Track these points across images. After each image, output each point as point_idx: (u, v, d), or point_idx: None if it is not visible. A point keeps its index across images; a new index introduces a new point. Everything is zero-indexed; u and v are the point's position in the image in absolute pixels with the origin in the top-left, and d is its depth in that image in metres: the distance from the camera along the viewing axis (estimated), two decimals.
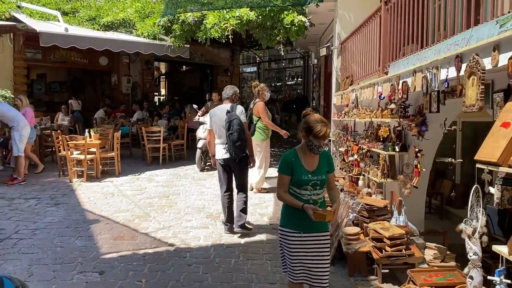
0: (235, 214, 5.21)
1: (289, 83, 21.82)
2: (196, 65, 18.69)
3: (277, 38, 9.03)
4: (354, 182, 6.36)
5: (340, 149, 7.18)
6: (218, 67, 18.26)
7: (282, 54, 13.66)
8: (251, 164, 5.35)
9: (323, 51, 8.42)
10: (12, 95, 11.75)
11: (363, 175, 5.79)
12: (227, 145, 5.06)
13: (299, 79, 21.23)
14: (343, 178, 7.10)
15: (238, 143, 4.95)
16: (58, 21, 10.02)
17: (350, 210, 4.52)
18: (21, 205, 6.46)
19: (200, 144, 9.01)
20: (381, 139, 4.92)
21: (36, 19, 10.35)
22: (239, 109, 5.20)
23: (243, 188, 5.29)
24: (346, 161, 6.96)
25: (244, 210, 5.21)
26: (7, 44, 12.10)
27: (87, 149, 8.27)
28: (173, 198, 6.87)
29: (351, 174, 6.38)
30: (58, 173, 8.52)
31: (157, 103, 15.84)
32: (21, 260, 4.36)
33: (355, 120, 6.27)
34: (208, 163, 9.27)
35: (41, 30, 8.74)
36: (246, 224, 5.29)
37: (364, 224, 4.47)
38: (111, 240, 4.92)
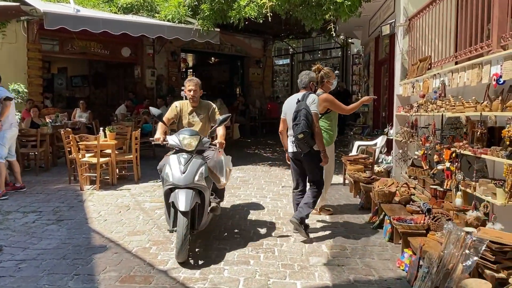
0: (300, 205, 4.66)
1: None
2: (225, 57, 17.32)
3: (326, 17, 7.49)
4: (439, 198, 4.79)
5: (416, 152, 5.59)
6: (250, 59, 16.84)
7: (332, 34, 11.99)
8: (323, 160, 4.61)
9: (386, 29, 6.83)
10: (25, 90, 10.69)
11: (459, 189, 4.22)
12: (294, 137, 4.53)
13: (337, 71, 19.54)
14: (414, 188, 5.54)
15: (300, 136, 4.36)
16: (69, 2, 8.77)
17: (467, 251, 2.98)
18: (15, 221, 5.19)
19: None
20: (506, 143, 3.33)
21: (44, 1, 9.15)
22: (311, 98, 4.56)
23: (315, 182, 4.71)
24: (425, 168, 5.38)
25: (309, 204, 4.62)
26: (20, 34, 11.04)
27: (101, 150, 7.03)
28: None
29: (437, 187, 4.81)
30: (68, 179, 7.29)
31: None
32: None
33: (442, 115, 4.68)
34: None
35: (45, 10, 7.48)
36: (305, 220, 4.62)
37: (490, 272, 2.93)
38: (117, 283, 3.54)
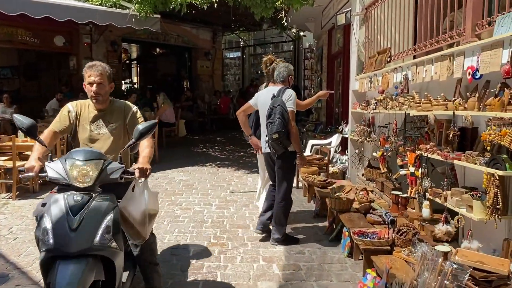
0: (272, 224, 4.30)
1: None
2: (171, 48, 16.34)
3: (276, 5, 6.87)
4: (401, 205, 4.32)
5: (374, 154, 5.10)
6: (198, 50, 15.98)
7: (284, 24, 11.48)
8: (298, 163, 4.21)
9: (342, 19, 6.31)
10: None
11: (426, 198, 3.74)
12: (267, 137, 4.15)
13: None
14: (372, 192, 5.08)
15: (275, 136, 3.96)
16: None
17: (446, 281, 2.46)
18: None
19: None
20: (487, 148, 2.83)
21: None
22: (288, 93, 4.14)
23: (283, 193, 4.21)
24: (384, 170, 4.90)
25: (280, 222, 4.21)
26: None
27: (21, 153, 6.06)
28: None
29: (398, 193, 4.32)
30: None
31: (125, 92, 13.48)
32: None
33: (405, 114, 4.19)
34: None
35: None
36: (285, 235, 4.24)
37: None
38: None
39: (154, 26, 7.94)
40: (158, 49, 16.91)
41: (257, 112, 4.56)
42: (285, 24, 10.93)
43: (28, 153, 6.25)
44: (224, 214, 5.18)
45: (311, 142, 7.31)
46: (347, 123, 7.10)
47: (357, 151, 5.99)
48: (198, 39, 15.70)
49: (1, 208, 5.43)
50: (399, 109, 4.33)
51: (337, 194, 4.56)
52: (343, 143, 7.38)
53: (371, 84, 5.43)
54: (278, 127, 3.93)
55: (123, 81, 18.56)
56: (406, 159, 4.03)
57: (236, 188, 6.46)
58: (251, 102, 4.49)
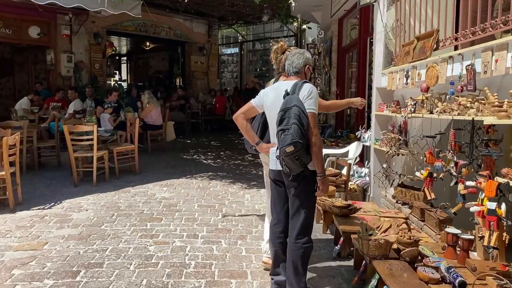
0: (286, 272, 3.00)
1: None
2: (163, 42, 15.01)
3: None
4: (463, 249, 3.02)
5: (417, 174, 3.79)
6: (191, 45, 14.67)
7: (287, 13, 10.16)
8: (320, 188, 2.91)
9: None
10: None
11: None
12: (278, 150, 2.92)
13: None
14: (410, 223, 3.81)
15: (290, 149, 2.72)
16: None
17: None
18: None
19: None
20: None
21: None
22: (306, 89, 2.87)
23: (300, 229, 2.92)
24: (430, 197, 3.61)
25: (298, 271, 2.92)
26: None
27: None
28: (91, 268, 3.38)
29: (459, 234, 3.02)
30: None
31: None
32: None
33: (473, 121, 2.89)
34: None
35: None
36: None
37: None
38: None
39: (134, 11, 6.63)
40: (148, 43, 15.57)
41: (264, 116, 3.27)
42: (290, 12, 9.72)
43: None
44: (213, 252, 3.86)
45: (324, 152, 5.98)
46: (365, 128, 5.81)
47: (385, 165, 4.68)
48: (191, 33, 14.40)
49: None
50: (459, 114, 3.04)
51: (370, 232, 3.25)
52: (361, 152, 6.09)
53: (407, 79, 4.13)
54: (293, 136, 2.70)
55: (112, 78, 17.30)
56: (473, 184, 2.76)
57: (230, 210, 5.15)
58: (254, 102, 3.18)
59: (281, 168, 2.93)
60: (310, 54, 3.20)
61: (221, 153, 9.40)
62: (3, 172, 4.96)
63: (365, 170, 5.65)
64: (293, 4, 8.40)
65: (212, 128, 13.77)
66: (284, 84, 3.01)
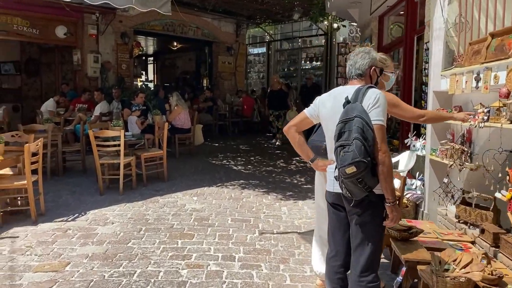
0: None
1: (306, 67, 17.82)
2: (190, 42, 14.66)
3: None
4: None
5: (498, 194, 3.23)
6: (219, 45, 14.27)
7: (318, 12, 9.67)
8: (389, 217, 2.38)
9: None
10: None
11: None
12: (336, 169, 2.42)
13: (318, 62, 17.21)
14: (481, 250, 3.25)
15: (351, 170, 2.23)
16: None
17: None
18: None
19: None
20: None
21: None
22: (372, 96, 2.36)
23: (364, 265, 2.41)
24: None
25: None
26: None
27: None
28: None
29: None
30: None
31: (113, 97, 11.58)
32: None
33: None
34: None
35: None
36: None
37: None
38: None
39: (163, 8, 6.22)
40: (175, 43, 15.25)
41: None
42: (324, 9, 9.18)
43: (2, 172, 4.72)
44: (253, 279, 3.39)
45: None
46: (417, 136, 5.24)
47: (446, 179, 4.12)
48: (219, 32, 14.01)
49: None
50: None
51: (446, 267, 2.72)
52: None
53: (477, 82, 3.56)
54: (355, 154, 2.23)
55: (138, 79, 17.09)
56: None
57: (267, 226, 4.68)
58: (307, 111, 2.70)
59: (340, 191, 2.44)
60: (377, 54, 2.67)
61: (251, 158, 8.94)
62: (25, 182, 4.63)
63: (416, 182, 5.07)
64: (331, 0, 7.91)
65: (240, 130, 13.33)
66: (345, 90, 2.52)
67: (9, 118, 8.87)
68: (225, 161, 8.56)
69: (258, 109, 13.51)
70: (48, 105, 9.13)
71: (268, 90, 11.82)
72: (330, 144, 2.55)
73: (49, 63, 12.05)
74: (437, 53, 4.47)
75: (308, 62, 17.79)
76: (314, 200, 5.76)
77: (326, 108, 2.57)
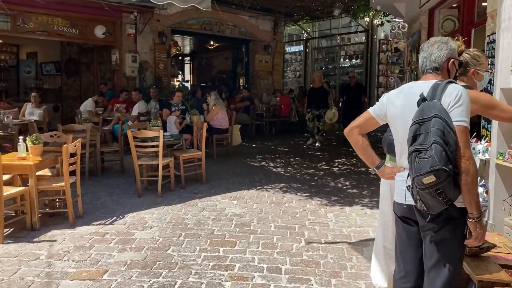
0: None
1: (344, 65, 17.28)
2: (227, 41, 14.48)
3: None
4: None
5: None
6: (256, 43, 14.02)
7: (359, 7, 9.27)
8: (473, 235, 2.04)
9: None
10: None
11: None
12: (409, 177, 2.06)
13: (358, 60, 16.65)
14: None
15: (429, 180, 1.88)
16: None
17: None
18: None
19: None
20: None
21: None
22: (453, 92, 2.00)
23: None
24: None
25: None
26: None
27: (21, 175, 4.44)
28: None
29: None
30: None
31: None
32: None
33: None
34: None
35: None
36: None
37: None
38: None
39: (203, 4, 6.01)
40: (212, 42, 15.11)
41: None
42: (368, 3, 8.75)
43: (40, 173, 4.65)
44: None
45: None
46: (478, 137, 4.77)
47: None
48: (257, 30, 13.75)
49: None
50: None
51: None
52: None
53: None
54: (435, 161, 1.89)
55: (175, 79, 17.08)
56: None
57: (313, 234, 4.35)
58: (373, 111, 2.36)
59: (413, 203, 2.10)
60: (455, 44, 2.31)
61: (291, 159, 8.61)
62: (63, 183, 4.51)
63: (479, 189, 4.61)
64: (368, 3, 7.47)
65: (277, 130, 13.02)
66: (418, 86, 2.17)
67: (50, 118, 8.94)
68: (263, 162, 8.28)
69: (296, 109, 13.17)
70: (87, 105, 9.14)
71: (308, 88, 11.25)
72: (400, 148, 2.22)
73: (88, 63, 12.17)
74: (505, 46, 4.00)
75: (347, 60, 17.28)
76: (361, 206, 5.44)
77: (396, 107, 2.23)
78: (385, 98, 2.34)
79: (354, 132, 2.40)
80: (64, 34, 10.19)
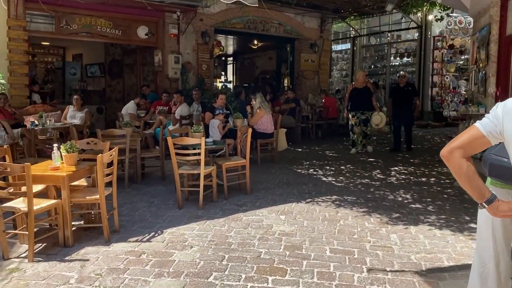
0: None
1: (395, 63, 16.29)
2: (271, 39, 13.96)
3: None
4: None
5: None
6: (302, 42, 13.42)
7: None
8: None
9: None
10: (2, 81, 8.11)
11: None
12: None
13: (409, 58, 15.65)
14: None
15: None
16: None
17: None
18: None
19: None
20: None
21: None
22: None
23: None
24: None
25: None
26: (0, 6, 8.45)
27: (52, 185, 4.11)
28: None
29: None
30: None
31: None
32: None
33: None
34: None
35: None
36: None
37: None
38: None
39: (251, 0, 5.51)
40: (256, 42, 14.65)
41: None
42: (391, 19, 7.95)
43: (76, 183, 4.35)
44: None
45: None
46: None
47: None
48: (303, 28, 13.16)
49: (9, 275, 3.40)
50: None
51: None
52: None
53: None
54: None
55: (218, 80, 16.77)
56: None
57: (376, 261, 3.74)
58: (482, 127, 1.77)
59: None
60: None
61: (341, 167, 7.96)
62: (97, 196, 4.15)
63: None
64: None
65: (323, 133, 12.34)
66: None
67: (91, 121, 8.77)
68: (311, 170, 7.68)
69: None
70: (129, 108, 8.92)
71: (352, 88, 9.98)
72: None
73: (131, 64, 12.05)
74: None
75: (398, 58, 16.32)
76: (428, 226, 4.75)
77: None
78: (500, 110, 1.73)
79: (455, 154, 1.80)
80: (107, 35, 10.07)
